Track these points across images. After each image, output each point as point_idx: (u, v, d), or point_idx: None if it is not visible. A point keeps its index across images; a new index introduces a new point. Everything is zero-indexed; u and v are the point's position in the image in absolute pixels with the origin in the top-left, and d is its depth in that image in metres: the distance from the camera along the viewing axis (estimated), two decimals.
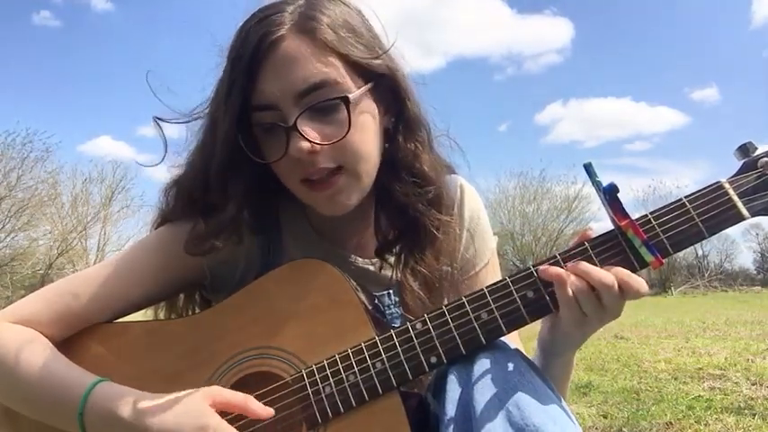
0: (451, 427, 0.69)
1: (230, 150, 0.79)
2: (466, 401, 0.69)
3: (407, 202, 0.85)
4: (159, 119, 0.87)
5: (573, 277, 0.71)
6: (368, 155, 0.82)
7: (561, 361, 0.84)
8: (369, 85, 0.81)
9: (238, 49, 0.78)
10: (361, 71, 0.80)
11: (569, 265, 0.73)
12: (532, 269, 0.75)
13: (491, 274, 0.96)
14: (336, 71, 0.77)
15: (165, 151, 0.89)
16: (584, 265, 0.72)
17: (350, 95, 0.77)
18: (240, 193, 0.83)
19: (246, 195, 0.83)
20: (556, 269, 0.72)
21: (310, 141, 0.76)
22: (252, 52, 0.76)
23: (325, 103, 0.77)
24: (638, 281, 0.71)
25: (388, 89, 0.84)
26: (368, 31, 0.83)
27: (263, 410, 0.75)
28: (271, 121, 0.78)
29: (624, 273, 0.71)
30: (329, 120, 0.78)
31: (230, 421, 0.73)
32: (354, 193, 0.83)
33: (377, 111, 0.83)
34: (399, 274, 0.88)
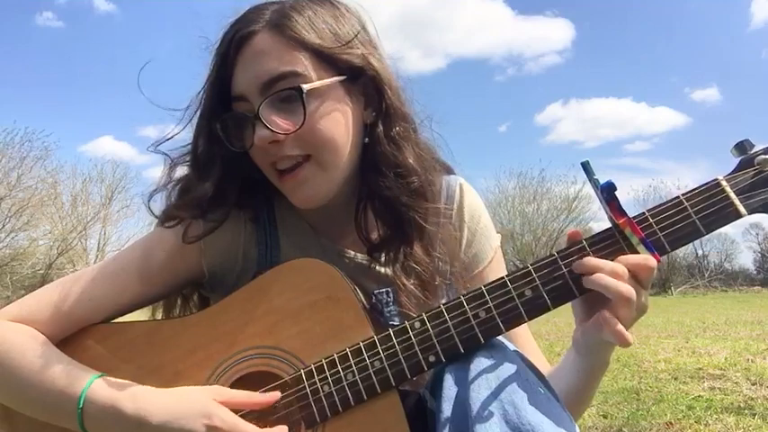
0: (448, 425, 0.69)
1: (210, 138, 0.84)
2: (463, 400, 0.69)
3: (391, 196, 0.85)
4: (159, 142, 0.89)
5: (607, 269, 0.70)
6: (334, 145, 0.82)
7: (598, 362, 0.82)
8: (339, 78, 0.82)
9: (219, 43, 0.83)
10: (331, 64, 0.82)
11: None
12: (530, 268, 0.75)
13: (495, 271, 0.96)
14: (301, 63, 0.79)
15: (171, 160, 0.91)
16: (591, 260, 0.72)
17: (305, 85, 0.78)
18: (218, 173, 0.85)
19: (225, 176, 0.85)
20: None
21: (271, 130, 0.78)
22: (227, 46, 0.81)
23: (283, 93, 0.79)
24: (643, 257, 0.71)
25: (368, 83, 0.84)
26: (345, 27, 0.84)
27: (267, 397, 0.76)
28: (243, 111, 0.82)
29: (629, 257, 0.71)
30: (290, 110, 0.79)
31: None
32: (321, 185, 0.83)
33: (350, 103, 0.84)
34: (391, 273, 0.88)
